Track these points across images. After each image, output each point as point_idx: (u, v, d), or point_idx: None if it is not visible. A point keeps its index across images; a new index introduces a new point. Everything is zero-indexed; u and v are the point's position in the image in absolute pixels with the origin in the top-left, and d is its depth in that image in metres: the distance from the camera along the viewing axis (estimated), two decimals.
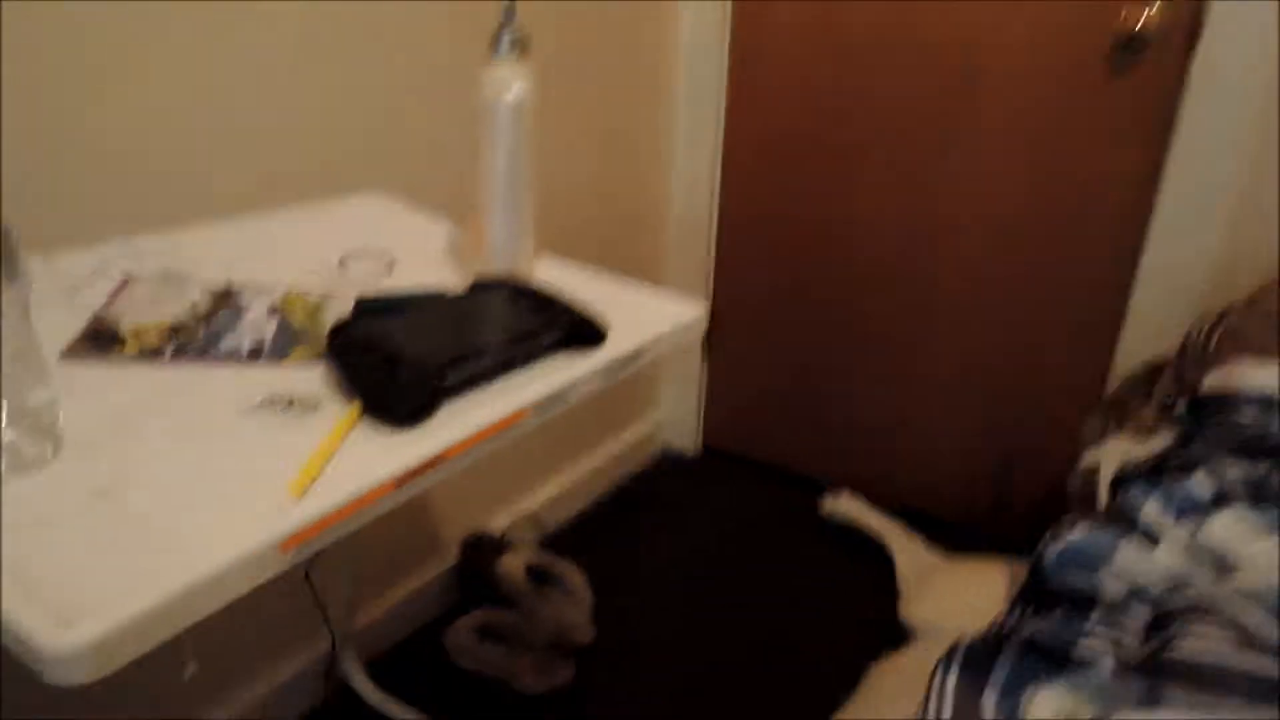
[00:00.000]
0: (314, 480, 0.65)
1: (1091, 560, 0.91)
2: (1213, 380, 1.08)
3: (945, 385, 1.99)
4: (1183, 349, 1.45)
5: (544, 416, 0.81)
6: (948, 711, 0.89)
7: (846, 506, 2.04)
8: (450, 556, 1.75)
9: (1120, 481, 1.06)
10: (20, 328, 0.64)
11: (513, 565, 1.68)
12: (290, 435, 0.71)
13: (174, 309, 0.88)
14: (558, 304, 0.89)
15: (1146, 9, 1.55)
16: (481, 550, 1.72)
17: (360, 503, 0.65)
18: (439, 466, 0.71)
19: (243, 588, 0.58)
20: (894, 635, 1.68)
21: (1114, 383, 1.78)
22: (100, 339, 0.82)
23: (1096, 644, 0.86)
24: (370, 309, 0.87)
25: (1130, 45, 1.59)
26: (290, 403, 0.75)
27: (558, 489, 1.99)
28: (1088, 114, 1.67)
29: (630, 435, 2.20)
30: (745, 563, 1.96)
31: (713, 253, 2.13)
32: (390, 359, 0.76)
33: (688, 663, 1.67)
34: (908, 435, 2.07)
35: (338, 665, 1.52)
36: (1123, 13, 1.58)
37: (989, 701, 0.89)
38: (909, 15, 1.77)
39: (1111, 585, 0.87)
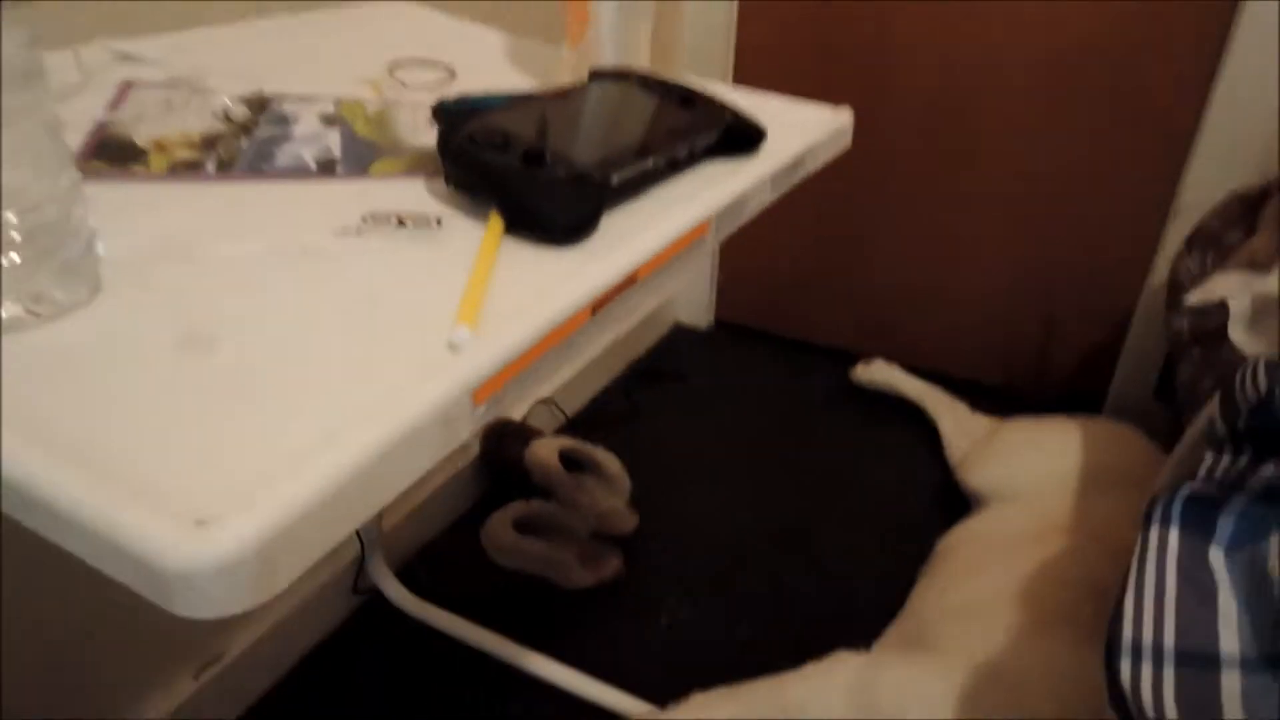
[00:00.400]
0: (479, 310, 0.46)
1: None
2: None
3: (982, 242, 1.85)
4: None
5: (723, 233, 0.62)
6: (1173, 573, 0.76)
7: (881, 373, 1.91)
8: (471, 449, 1.57)
9: None
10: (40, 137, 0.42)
11: (546, 453, 1.50)
12: (416, 258, 0.51)
13: (198, 119, 0.66)
14: (705, 99, 0.69)
15: None
16: (507, 440, 1.54)
17: (559, 333, 0.46)
18: (632, 289, 0.52)
19: (425, 462, 0.39)
20: (952, 503, 1.58)
21: (1169, 236, 1.66)
22: (113, 153, 0.60)
23: None
24: (463, 110, 0.65)
25: None
26: (400, 221, 0.55)
27: (571, 372, 1.81)
28: None
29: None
30: (780, 437, 1.82)
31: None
32: (532, 158, 0.55)
33: (735, 546, 1.54)
34: (941, 299, 1.93)
35: (366, 573, 1.34)
36: None
37: (1217, 557, 0.76)
38: None
39: None
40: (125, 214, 0.53)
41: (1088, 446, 1.47)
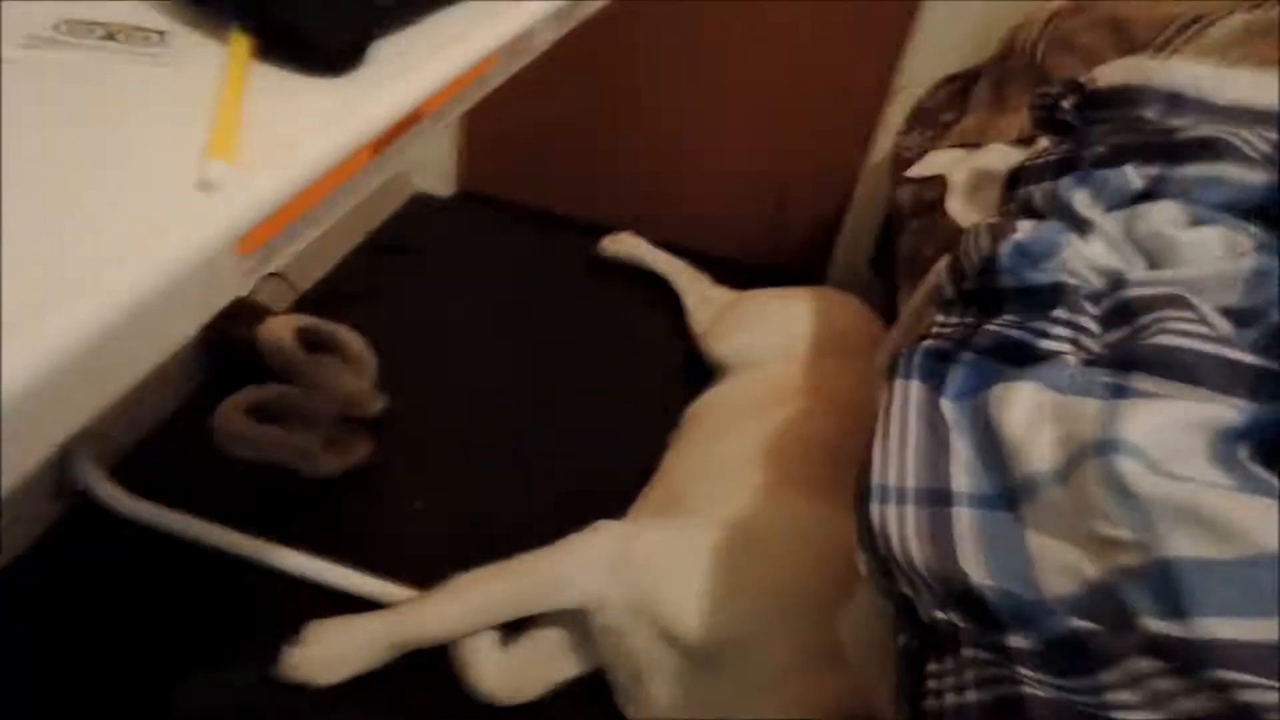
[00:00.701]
0: (235, 142, 0.38)
1: (1043, 254, 0.86)
2: (1109, 76, 1.05)
3: (723, 120, 1.88)
4: (1003, 58, 1.44)
5: (507, 71, 0.56)
6: (914, 420, 0.82)
7: (626, 245, 1.92)
8: None
9: (1019, 178, 1.02)
10: None
11: (280, 332, 1.37)
12: (137, 79, 0.41)
13: None
14: None
15: None
16: (234, 318, 1.39)
17: (338, 174, 0.39)
18: (414, 128, 0.45)
19: (185, 327, 0.32)
20: (697, 373, 1.64)
21: (887, 117, 1.77)
22: None
23: (1061, 339, 0.82)
24: None
25: None
26: (110, 34, 0.44)
27: (301, 243, 1.65)
28: None
29: None
30: (527, 312, 1.79)
31: None
32: None
33: (486, 424, 1.51)
34: (684, 175, 1.96)
35: (70, 473, 1.17)
36: None
37: (947, 405, 0.84)
38: None
39: (1067, 280, 0.83)
40: None
41: (815, 315, 1.57)
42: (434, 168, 2.01)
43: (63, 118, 0.37)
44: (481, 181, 2.04)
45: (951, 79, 1.59)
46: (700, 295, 1.81)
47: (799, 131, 1.85)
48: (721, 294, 1.81)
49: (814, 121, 1.84)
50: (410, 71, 0.46)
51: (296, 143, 0.38)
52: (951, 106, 1.51)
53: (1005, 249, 0.86)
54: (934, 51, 1.68)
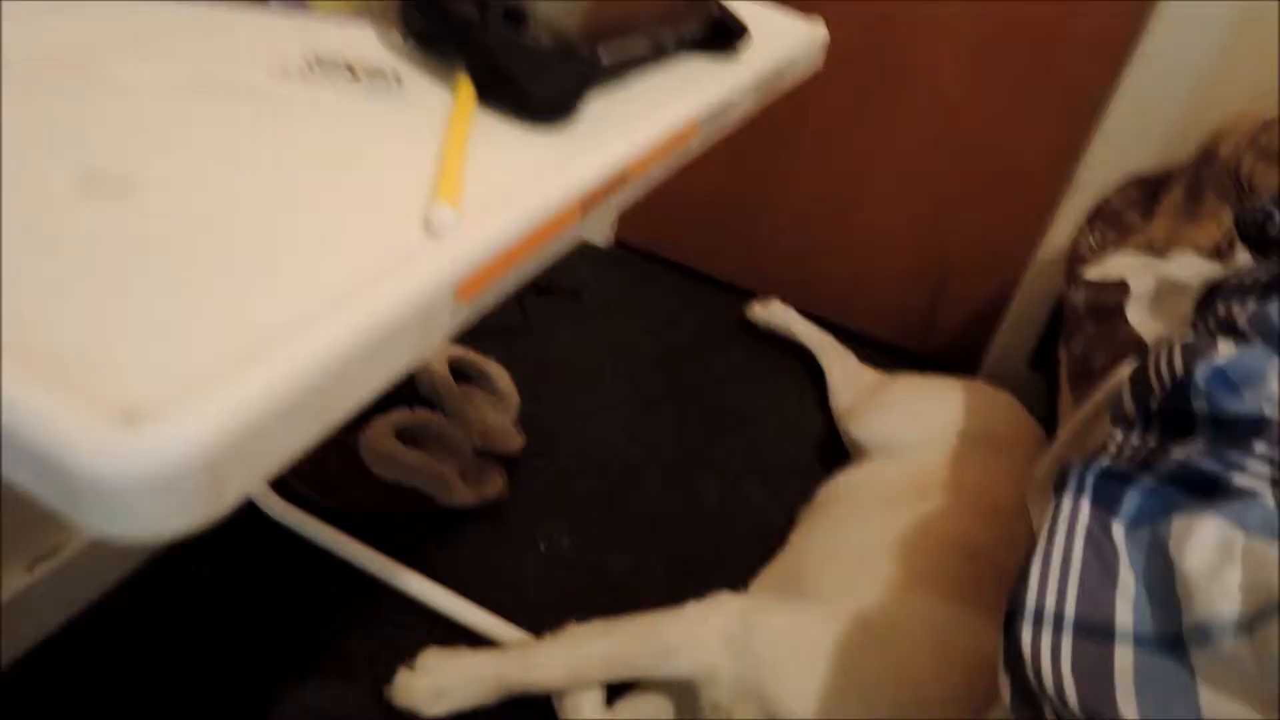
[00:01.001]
0: (460, 188, 0.38)
1: (1246, 380, 0.79)
2: None
3: (886, 197, 1.85)
4: (1201, 163, 1.36)
5: (709, 139, 0.56)
6: (1080, 543, 0.77)
7: (777, 314, 1.90)
8: None
9: (1217, 294, 0.95)
10: None
11: (435, 360, 1.41)
12: (375, 118, 0.43)
13: None
14: None
15: None
16: None
17: (550, 229, 0.39)
18: (622, 188, 0.45)
19: (398, 365, 0.32)
20: (834, 451, 1.60)
21: (1064, 211, 1.70)
22: None
23: (1258, 475, 0.75)
24: None
25: None
26: (352, 70, 0.46)
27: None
28: None
29: None
30: (671, 367, 1.79)
31: None
32: (513, 17, 0.47)
33: (618, 474, 1.51)
34: (841, 249, 1.93)
35: None
36: None
37: (1119, 532, 0.78)
38: None
39: (1271, 411, 0.77)
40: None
41: (967, 408, 1.51)
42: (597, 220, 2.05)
43: (303, 152, 0.38)
44: (639, 235, 2.07)
45: (1140, 178, 1.52)
46: (845, 372, 1.77)
47: (969, 215, 1.80)
48: (867, 374, 1.77)
49: (986, 206, 1.78)
50: (622, 132, 0.47)
51: (515, 193, 0.38)
52: (1137, 207, 1.44)
53: (1203, 371, 0.80)
54: (1123, 146, 1.61)
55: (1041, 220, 1.74)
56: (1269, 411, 0.78)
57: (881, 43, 1.71)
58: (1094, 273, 1.29)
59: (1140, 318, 1.17)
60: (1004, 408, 1.53)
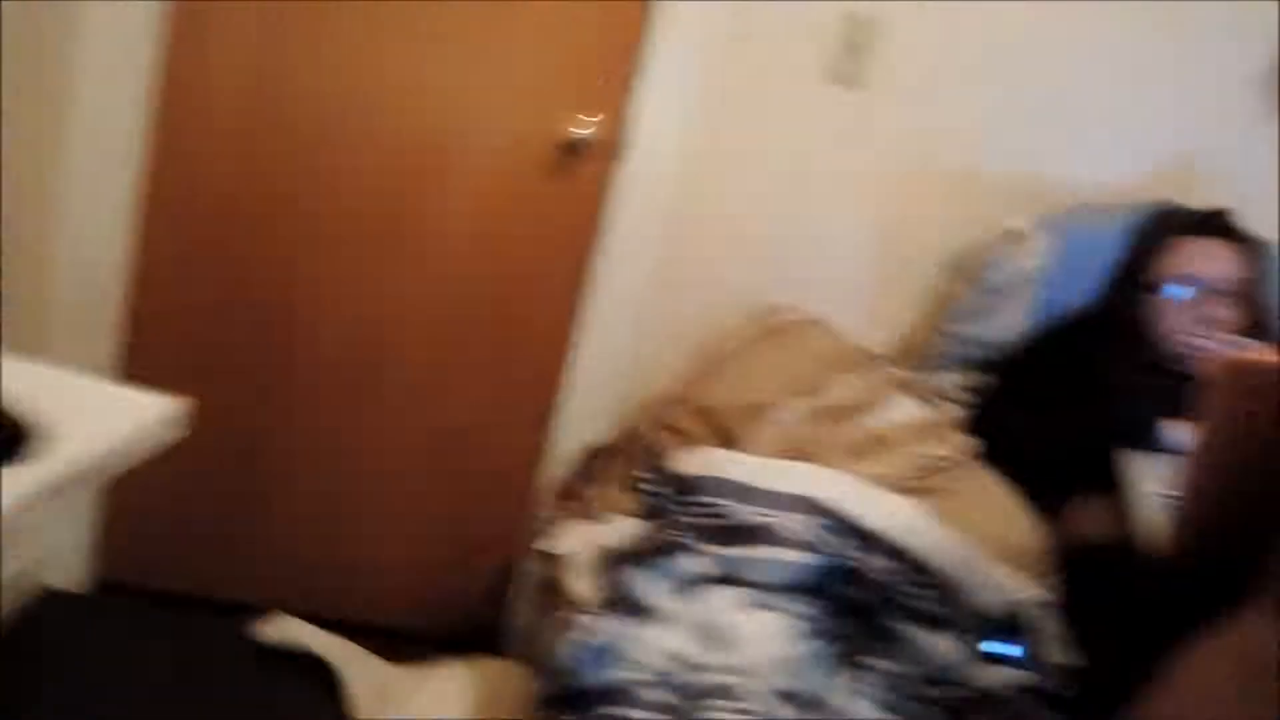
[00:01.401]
0: None
1: (613, 650, 0.89)
2: (689, 465, 1.16)
3: (383, 496, 1.91)
4: (629, 435, 1.57)
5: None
6: None
7: (285, 630, 1.80)
8: None
9: (613, 562, 1.08)
10: None
11: None
12: None
13: None
14: None
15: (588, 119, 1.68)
16: None
17: None
18: None
19: None
20: None
21: (549, 476, 1.86)
22: None
23: None
24: None
25: (571, 150, 1.71)
26: None
27: None
28: (532, 210, 1.76)
29: None
30: (180, 709, 1.61)
31: (119, 346, 1.77)
32: None
33: None
34: (349, 545, 1.93)
35: None
36: (566, 122, 1.69)
37: None
38: (362, 102, 1.70)
39: (637, 673, 0.87)
40: None
41: (474, 686, 1.53)
42: (65, 560, 1.84)
43: None
44: (124, 571, 1.89)
45: (592, 451, 1.71)
46: (364, 674, 1.71)
47: (457, 501, 1.89)
48: (388, 671, 1.72)
49: (474, 490, 1.89)
50: None
51: None
52: (586, 477, 1.62)
53: (570, 650, 0.89)
54: (580, 421, 1.81)
55: (526, 495, 1.86)
56: (624, 678, 0.88)
57: (357, 352, 1.82)
58: (543, 544, 1.41)
59: (582, 585, 1.28)
60: (510, 680, 1.56)
